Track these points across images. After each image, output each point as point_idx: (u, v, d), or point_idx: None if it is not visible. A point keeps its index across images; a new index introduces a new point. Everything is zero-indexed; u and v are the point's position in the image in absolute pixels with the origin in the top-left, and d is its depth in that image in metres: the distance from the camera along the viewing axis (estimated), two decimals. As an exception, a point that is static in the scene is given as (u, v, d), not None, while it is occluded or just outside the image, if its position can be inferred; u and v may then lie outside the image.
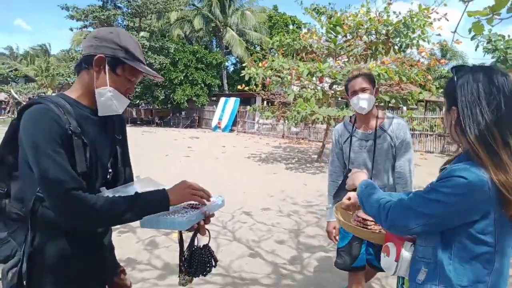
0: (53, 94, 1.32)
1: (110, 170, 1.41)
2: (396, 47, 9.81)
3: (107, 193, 1.31)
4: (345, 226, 1.54)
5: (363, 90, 2.25)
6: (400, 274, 1.24)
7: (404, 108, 10.92)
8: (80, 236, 1.27)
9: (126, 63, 1.27)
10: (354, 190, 1.45)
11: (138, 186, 1.43)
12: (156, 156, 10.84)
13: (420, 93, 9.67)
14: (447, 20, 9.30)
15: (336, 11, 10.73)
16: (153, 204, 1.27)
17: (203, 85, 25.10)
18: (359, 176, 1.43)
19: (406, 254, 1.21)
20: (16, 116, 1.25)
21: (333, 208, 1.67)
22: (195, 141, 16.00)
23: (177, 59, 24.11)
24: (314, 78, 9.09)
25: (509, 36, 10.70)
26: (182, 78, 24.22)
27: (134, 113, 28.71)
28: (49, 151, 1.11)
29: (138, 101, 26.16)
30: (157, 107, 27.40)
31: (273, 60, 9.72)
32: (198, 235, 1.42)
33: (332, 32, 9.98)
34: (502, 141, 1.03)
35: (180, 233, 1.45)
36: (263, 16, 30.04)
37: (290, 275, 3.41)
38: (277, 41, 10.55)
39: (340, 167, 2.47)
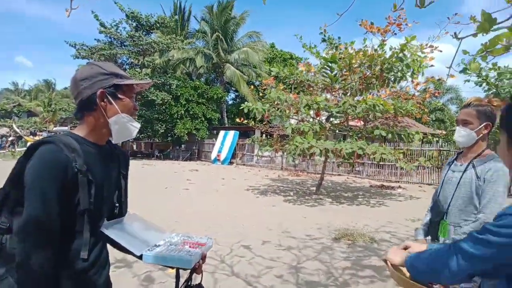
0: (61, 133, 1.39)
1: (117, 205, 1.47)
2: (390, 81, 10.08)
3: (106, 226, 1.37)
4: (399, 281, 1.35)
5: (464, 122, 2.12)
6: None
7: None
8: (76, 274, 1.27)
9: (122, 85, 1.36)
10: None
11: (127, 222, 1.51)
12: (155, 189, 10.83)
13: (417, 133, 9.79)
14: (440, 51, 9.61)
15: (339, 44, 10.98)
16: None
17: (203, 118, 25.50)
18: (397, 254, 1.32)
19: None
20: (23, 153, 1.31)
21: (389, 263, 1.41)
22: (194, 174, 16.01)
23: (178, 94, 24.63)
24: (311, 112, 9.28)
25: (505, 66, 10.93)
26: (183, 112, 24.63)
27: (134, 147, 28.90)
28: (45, 196, 1.17)
29: (139, 134, 26.43)
30: (158, 141, 27.62)
31: (269, 92, 9.95)
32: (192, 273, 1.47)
33: (327, 67, 10.32)
34: None
35: (178, 270, 1.49)
36: (262, 53, 31.00)
37: (289, 311, 3.35)
38: (273, 70, 10.79)
39: (434, 198, 2.39)
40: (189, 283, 1.49)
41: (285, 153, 9.81)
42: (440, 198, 2.22)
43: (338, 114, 9.66)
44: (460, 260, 1.01)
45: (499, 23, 3.50)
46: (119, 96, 1.36)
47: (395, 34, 10.04)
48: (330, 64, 10.29)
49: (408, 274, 1.27)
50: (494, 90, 11.36)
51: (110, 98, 1.34)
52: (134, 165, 18.61)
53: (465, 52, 3.87)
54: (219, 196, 10.10)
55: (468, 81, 11.62)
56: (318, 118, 10.09)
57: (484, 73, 11.01)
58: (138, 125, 1.45)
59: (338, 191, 11.78)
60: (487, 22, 3.47)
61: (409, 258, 1.21)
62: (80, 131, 1.36)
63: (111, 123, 1.35)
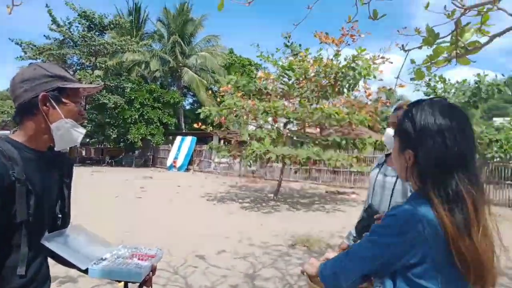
0: None
1: (59, 216, 1.38)
2: (344, 89, 10.41)
3: (48, 238, 1.28)
4: None
5: (393, 124, 2.15)
6: None
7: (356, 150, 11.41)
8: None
9: (67, 88, 1.27)
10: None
11: (70, 234, 1.41)
12: (105, 197, 10.28)
13: (370, 137, 10.19)
14: (391, 63, 10.13)
15: (300, 52, 11.16)
16: None
17: (159, 123, 24.81)
18: (313, 264, 1.29)
19: None
20: None
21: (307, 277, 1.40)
22: (148, 181, 15.46)
23: (132, 97, 23.78)
24: (269, 119, 9.33)
25: (449, 80, 11.77)
26: (137, 116, 23.80)
27: (83, 153, 27.43)
28: None
29: (88, 140, 25.14)
30: (109, 146, 26.44)
31: (227, 99, 9.90)
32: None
33: (285, 75, 10.47)
34: (463, 190, 0.94)
35: (126, 284, 1.43)
36: (221, 58, 30.87)
37: (244, 323, 3.25)
38: (232, 79, 10.79)
39: (367, 201, 2.34)
40: None
41: (242, 160, 9.77)
42: (373, 202, 2.19)
43: (295, 121, 9.78)
44: (353, 261, 1.05)
45: (442, 37, 3.68)
46: (63, 100, 1.27)
47: (349, 44, 10.46)
48: (287, 72, 10.44)
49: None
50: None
51: (53, 102, 1.25)
52: (83, 172, 17.66)
53: (412, 61, 4.05)
54: (174, 204, 9.80)
55: (418, 90, 12.41)
56: (275, 125, 10.16)
57: (432, 84, 11.81)
58: (83, 131, 1.35)
59: (295, 197, 11.90)
60: (431, 37, 3.64)
61: (320, 266, 1.19)
62: (19, 137, 1.25)
63: (53, 129, 1.26)
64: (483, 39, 3.21)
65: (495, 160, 11.45)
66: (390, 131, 2.15)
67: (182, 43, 29.66)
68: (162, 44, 31.12)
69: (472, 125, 1.03)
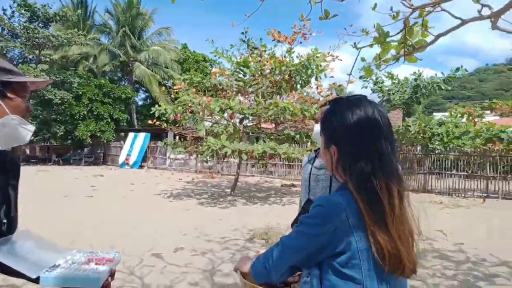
0: None
1: (4, 221, 1.26)
2: (298, 85, 10.68)
3: None
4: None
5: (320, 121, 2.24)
6: None
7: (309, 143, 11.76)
8: None
9: (13, 82, 1.18)
10: None
11: (17, 240, 1.31)
12: (53, 197, 9.72)
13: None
14: (341, 60, 10.60)
15: (257, 47, 11.27)
16: None
17: (109, 119, 23.76)
18: (245, 261, 1.27)
19: None
20: None
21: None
22: (99, 180, 14.83)
23: (80, 93, 22.53)
24: (225, 114, 9.32)
25: (397, 75, 12.46)
26: (86, 112, 22.62)
27: (28, 151, 25.63)
28: None
29: (33, 137, 23.47)
30: (56, 144, 24.91)
31: (182, 95, 9.76)
32: None
33: (240, 71, 10.50)
34: (380, 182, 0.99)
35: None
36: (174, 53, 30.12)
37: (204, 318, 3.26)
38: (186, 79, 10.67)
39: (305, 196, 2.37)
40: None
41: (199, 155, 9.70)
42: (311, 196, 2.22)
43: (251, 117, 9.86)
44: (281, 252, 1.05)
45: (391, 36, 3.88)
46: (9, 95, 1.18)
47: (301, 42, 10.76)
48: (242, 68, 10.48)
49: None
50: (387, 97, 12.88)
51: None
52: (27, 171, 16.52)
53: (363, 59, 4.24)
54: (127, 202, 9.49)
55: (366, 87, 13.02)
56: (232, 121, 10.18)
57: (381, 81, 12.41)
58: (32, 128, 1.26)
59: (251, 191, 12.02)
60: (382, 35, 3.83)
61: (253, 262, 1.17)
62: None
63: None
64: (429, 38, 3.45)
65: (436, 152, 12.35)
66: (317, 128, 2.23)
67: (132, 37, 28.55)
68: (111, 38, 29.74)
69: (388, 119, 1.07)
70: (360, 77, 12.40)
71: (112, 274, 1.34)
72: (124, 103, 25.38)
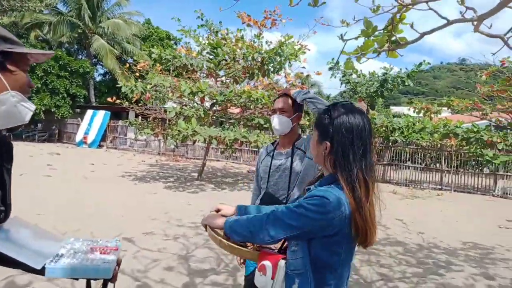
0: None
1: (2, 208, 1.16)
2: (270, 71, 10.66)
3: None
4: (220, 244, 1.40)
5: (281, 111, 2.22)
6: None
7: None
8: None
9: (13, 53, 1.04)
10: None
11: (10, 228, 1.23)
12: (5, 176, 9.06)
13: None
14: (309, 50, 10.73)
15: (220, 30, 11.08)
16: None
17: (65, 95, 22.40)
18: (215, 218, 1.42)
19: (281, 271, 1.27)
20: None
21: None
22: (56, 158, 14.04)
23: (34, 64, 20.94)
24: (196, 98, 9.11)
25: (361, 70, 12.79)
26: (40, 85, 21.15)
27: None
28: None
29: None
30: None
31: (151, 75, 9.39)
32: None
33: (212, 53, 10.27)
34: (361, 176, 1.22)
35: (89, 282, 1.31)
36: (137, 28, 28.58)
37: (184, 304, 3.23)
38: (156, 54, 10.22)
39: (258, 189, 2.41)
40: None
41: (167, 138, 9.44)
42: (268, 188, 2.26)
43: (222, 103, 9.71)
44: (278, 227, 1.22)
45: (379, 30, 3.93)
46: (9, 67, 1.04)
47: (270, 28, 10.72)
48: (214, 50, 10.24)
49: (222, 235, 1.39)
50: (353, 88, 13.22)
51: None
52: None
53: (344, 53, 4.28)
54: (89, 183, 9.08)
55: (335, 77, 13.25)
56: (202, 104, 9.97)
57: (348, 74, 12.70)
58: (33, 107, 1.14)
59: (219, 176, 11.96)
60: (370, 28, 3.87)
61: (227, 222, 1.34)
62: None
63: None
64: (414, 36, 3.53)
65: (396, 144, 12.95)
66: (280, 118, 2.22)
67: (89, 7, 26.66)
68: (69, 7, 27.64)
69: (370, 124, 1.32)
70: (330, 69, 12.67)
71: (118, 263, 1.32)
72: (81, 78, 24.00)
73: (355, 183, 1.20)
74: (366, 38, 3.74)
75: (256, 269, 1.33)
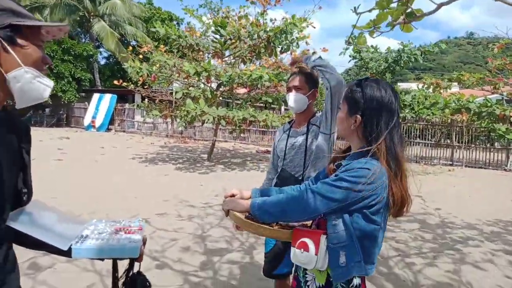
0: None
1: (24, 190, 1.12)
2: (277, 50, 10.46)
3: (13, 218, 1.06)
4: (245, 226, 1.39)
5: (296, 88, 2.20)
6: (318, 267, 1.28)
7: (282, 108, 11.77)
8: None
9: (23, 26, 0.96)
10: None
11: (32, 211, 1.19)
12: (17, 161, 9.16)
13: None
14: (314, 28, 10.50)
15: (221, 8, 10.85)
16: None
17: (71, 79, 22.36)
18: (237, 203, 1.42)
19: (323, 246, 1.27)
20: None
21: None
22: (66, 142, 14.13)
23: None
24: (202, 78, 8.98)
25: (376, 45, 12.47)
26: (45, 70, 21.07)
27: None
28: None
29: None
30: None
31: (156, 55, 9.26)
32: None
33: (217, 32, 10.05)
34: (393, 148, 1.27)
35: (115, 261, 1.28)
36: (138, 9, 28.07)
37: (203, 283, 3.26)
38: (163, 33, 10.02)
39: (273, 169, 2.41)
40: (129, 273, 1.30)
41: (176, 119, 9.39)
42: (284, 166, 2.26)
43: (227, 83, 9.57)
44: (319, 201, 1.24)
45: (394, 1, 3.76)
46: (19, 42, 0.96)
47: (275, 5, 10.43)
48: (219, 29, 10.02)
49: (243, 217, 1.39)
50: (365, 65, 12.96)
51: (6, 44, 0.94)
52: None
53: (357, 27, 4.14)
54: (100, 166, 9.15)
55: (344, 54, 12.99)
56: (209, 84, 9.85)
57: (359, 50, 12.41)
58: (51, 83, 1.06)
59: (227, 157, 11.97)
60: (385, 1, 3.71)
61: (254, 203, 1.35)
62: None
63: (10, 80, 0.96)
64: (431, 7, 3.39)
65: (406, 121, 12.79)
66: (296, 96, 2.20)
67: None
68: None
69: (399, 97, 1.35)
70: (349, 43, 12.37)
71: (144, 242, 1.29)
72: (86, 61, 23.89)
73: (390, 153, 1.25)
74: (381, 11, 3.60)
75: (294, 247, 1.32)
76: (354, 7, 4.09)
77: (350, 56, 12.39)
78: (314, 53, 9.95)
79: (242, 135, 14.60)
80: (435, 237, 4.66)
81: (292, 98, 2.21)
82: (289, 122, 2.42)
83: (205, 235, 4.49)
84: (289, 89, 2.26)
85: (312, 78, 2.23)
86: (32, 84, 1.00)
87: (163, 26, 10.68)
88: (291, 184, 2.18)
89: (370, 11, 3.89)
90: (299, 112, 2.25)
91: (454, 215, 5.75)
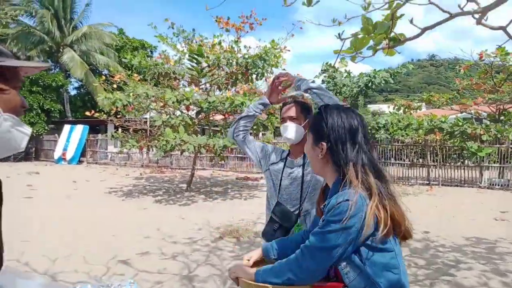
0: None
1: None
2: (253, 76, 10.53)
3: None
4: None
5: (292, 119, 2.12)
6: None
7: (267, 133, 11.77)
8: None
9: (3, 67, 0.86)
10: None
11: (2, 284, 1.07)
12: (-18, 201, 8.51)
13: (276, 118, 10.57)
14: (289, 51, 10.76)
15: (194, 37, 10.86)
16: None
17: (39, 111, 21.60)
18: (245, 270, 1.40)
19: None
20: None
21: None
22: (35, 178, 13.41)
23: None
24: (182, 106, 8.85)
25: (349, 71, 12.88)
26: (12, 102, 20.27)
27: None
28: None
29: None
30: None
31: (136, 87, 9.08)
32: None
33: (194, 61, 10.03)
34: (366, 163, 1.23)
35: None
36: (110, 38, 27.79)
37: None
38: (137, 62, 9.91)
39: (273, 196, 2.24)
40: None
41: (152, 149, 9.11)
42: (279, 199, 2.16)
43: (207, 111, 9.46)
44: (318, 257, 1.17)
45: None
46: (0, 86, 0.87)
47: (247, 32, 10.60)
48: (196, 57, 10.00)
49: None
50: (338, 89, 13.25)
51: None
52: None
53: (336, 52, 4.16)
54: (74, 203, 8.65)
55: (318, 77, 13.23)
56: (187, 112, 9.71)
57: (332, 77, 12.71)
58: (29, 131, 0.97)
59: (208, 186, 11.68)
60: (370, 26, 3.74)
61: (258, 275, 1.30)
62: None
63: None
64: (414, 32, 3.44)
65: (381, 143, 13.04)
66: (295, 126, 2.11)
67: (59, 18, 25.70)
68: (36, 19, 26.45)
69: (364, 119, 1.34)
70: (323, 71, 12.66)
71: None
72: (55, 92, 23.21)
73: (362, 175, 1.19)
74: (367, 36, 3.63)
75: None
76: (339, 33, 4.10)
77: (323, 82, 12.67)
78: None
79: (221, 162, 14.37)
80: (428, 263, 4.59)
81: (291, 129, 2.11)
82: (283, 151, 2.32)
83: (192, 275, 4.22)
84: (283, 120, 2.15)
85: (307, 108, 2.16)
86: (10, 133, 0.89)
87: (135, 57, 10.57)
88: (290, 218, 2.08)
89: (355, 35, 3.90)
90: (295, 144, 2.16)
91: (443, 237, 5.74)
